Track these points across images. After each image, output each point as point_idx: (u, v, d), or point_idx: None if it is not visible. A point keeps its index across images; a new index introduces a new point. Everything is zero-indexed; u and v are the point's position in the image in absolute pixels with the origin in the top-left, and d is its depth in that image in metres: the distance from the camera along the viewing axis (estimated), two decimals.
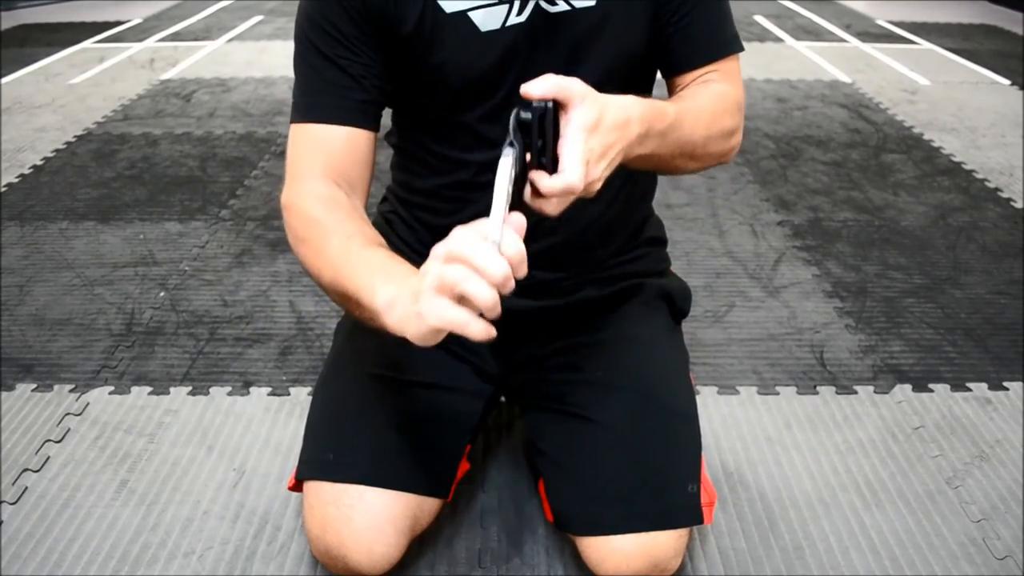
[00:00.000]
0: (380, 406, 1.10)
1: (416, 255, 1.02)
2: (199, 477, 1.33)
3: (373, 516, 1.04)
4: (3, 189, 2.41)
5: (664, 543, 1.03)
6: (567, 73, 0.80)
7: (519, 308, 1.14)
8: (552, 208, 0.81)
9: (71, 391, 1.54)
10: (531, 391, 1.18)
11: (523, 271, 0.75)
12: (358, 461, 1.06)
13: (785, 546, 1.20)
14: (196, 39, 4.23)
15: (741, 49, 1.06)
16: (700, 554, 1.18)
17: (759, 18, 4.71)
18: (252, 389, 1.54)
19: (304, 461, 1.11)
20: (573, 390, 1.12)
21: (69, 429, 1.44)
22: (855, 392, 1.55)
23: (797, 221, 2.23)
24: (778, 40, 4.24)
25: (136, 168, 2.58)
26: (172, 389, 1.55)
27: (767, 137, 2.84)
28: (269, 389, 1.54)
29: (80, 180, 2.48)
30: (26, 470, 1.34)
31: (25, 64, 3.74)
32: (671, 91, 1.07)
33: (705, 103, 1.00)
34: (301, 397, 1.52)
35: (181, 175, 2.52)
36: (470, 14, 0.95)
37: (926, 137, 2.85)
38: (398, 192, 1.19)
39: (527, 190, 0.80)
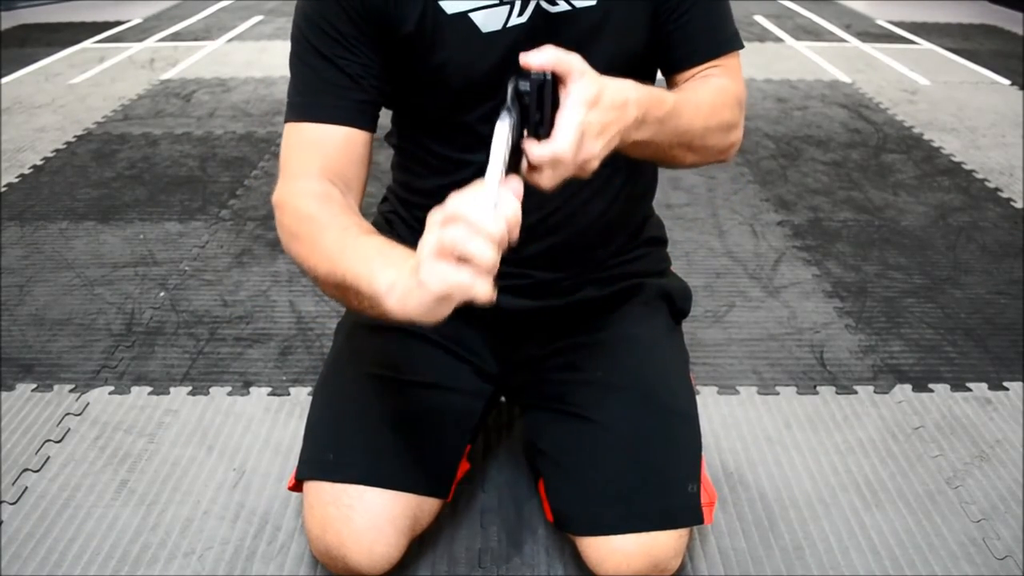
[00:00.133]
0: (380, 406, 1.10)
1: None
2: (199, 477, 1.33)
3: (373, 516, 1.04)
4: (3, 189, 2.41)
5: (664, 543, 1.03)
6: None
7: (519, 308, 1.15)
8: (546, 181, 0.80)
9: (71, 391, 1.54)
10: (531, 391, 1.18)
11: (517, 234, 0.74)
12: (358, 461, 1.06)
13: (785, 546, 1.20)
14: (196, 39, 4.23)
15: (741, 46, 1.06)
16: (700, 554, 1.18)
17: (759, 18, 4.71)
18: (252, 389, 1.54)
19: (304, 461, 1.11)
20: (573, 390, 1.12)
21: (69, 429, 1.44)
22: (855, 392, 1.55)
23: (797, 221, 2.23)
24: (778, 40, 4.24)
25: (136, 168, 2.58)
26: (172, 389, 1.55)
27: (767, 137, 2.84)
28: (269, 389, 1.54)
29: (80, 180, 2.49)
30: (26, 470, 1.34)
31: (25, 64, 3.74)
32: (671, 89, 1.07)
33: (705, 95, 1.00)
34: (301, 397, 1.52)
35: (181, 175, 2.52)
36: (471, 15, 0.95)
37: (926, 137, 2.85)
38: (398, 192, 1.19)
39: (523, 164, 0.80)
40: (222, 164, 2.61)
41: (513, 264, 1.13)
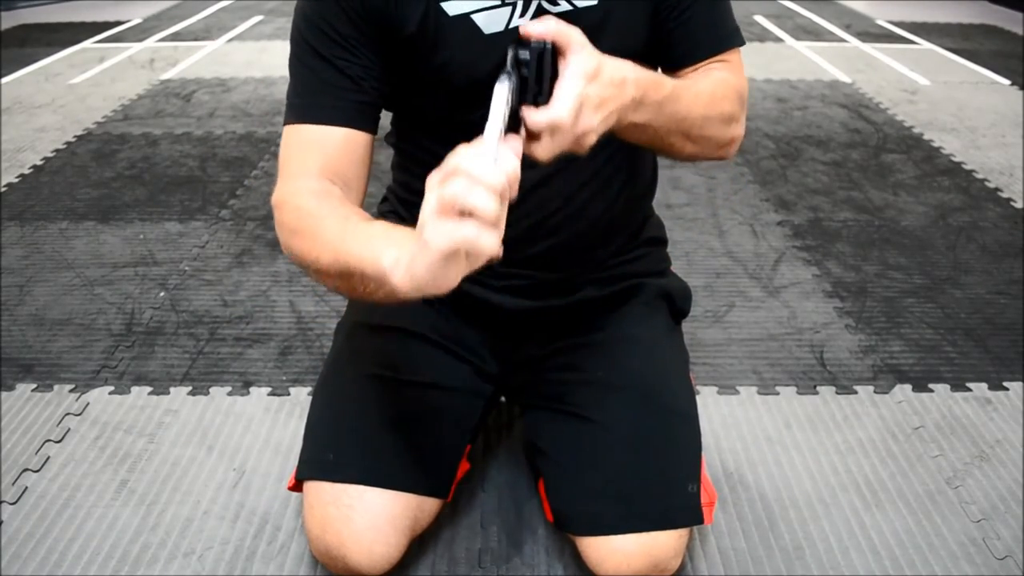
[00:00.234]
0: (380, 406, 1.10)
1: None
2: (199, 477, 1.33)
3: (373, 516, 1.04)
4: (3, 189, 2.41)
5: (664, 543, 1.03)
6: None
7: (519, 308, 1.15)
8: (543, 151, 0.79)
9: (71, 391, 1.54)
10: (531, 391, 1.18)
11: (516, 189, 0.73)
12: (358, 461, 1.06)
13: (785, 546, 1.20)
14: (196, 39, 4.23)
15: (742, 43, 1.06)
16: (700, 554, 1.18)
17: (759, 18, 4.71)
18: (252, 389, 1.54)
19: (304, 461, 1.11)
20: (573, 390, 1.12)
21: (69, 429, 1.44)
22: (855, 392, 1.55)
23: (797, 221, 2.23)
24: (778, 40, 4.24)
25: (136, 168, 2.58)
26: (172, 389, 1.55)
27: (767, 137, 2.84)
28: (269, 389, 1.54)
29: (80, 180, 2.48)
30: (26, 470, 1.34)
31: (25, 64, 3.74)
32: None
33: (705, 85, 1.00)
34: (301, 397, 1.52)
35: (181, 175, 2.52)
36: (473, 17, 0.95)
37: (926, 137, 2.85)
38: (398, 192, 1.19)
39: (521, 134, 0.79)
40: (222, 164, 2.61)
41: (514, 265, 1.13)
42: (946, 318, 1.79)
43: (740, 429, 1.44)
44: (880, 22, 4.66)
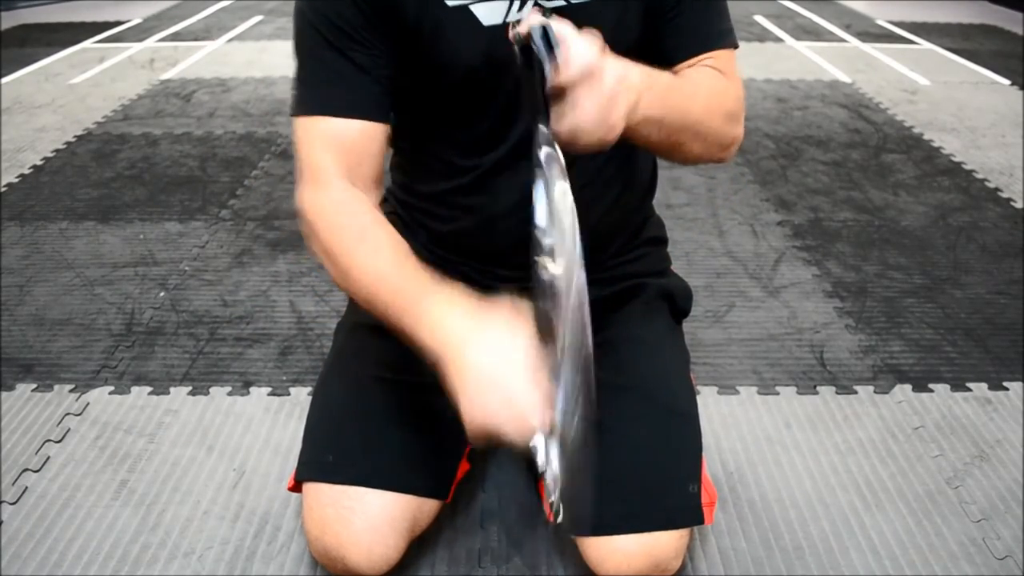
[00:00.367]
0: (379, 407, 1.10)
1: (416, 255, 1.03)
2: (199, 477, 1.33)
3: (372, 517, 1.04)
4: (3, 189, 2.41)
5: (665, 543, 1.03)
6: None
7: None
8: (585, 113, 0.79)
9: (71, 391, 1.54)
10: None
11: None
12: (357, 462, 1.06)
13: (785, 546, 1.20)
14: (196, 39, 4.23)
15: (735, 45, 1.05)
16: (700, 554, 1.18)
17: (759, 18, 4.71)
18: (252, 389, 1.54)
19: (303, 462, 1.11)
20: None
21: (69, 429, 1.44)
22: (855, 392, 1.55)
23: (797, 221, 2.23)
24: (778, 40, 4.24)
25: (136, 168, 2.58)
26: (172, 389, 1.55)
27: (767, 137, 2.84)
28: (269, 389, 1.54)
29: (80, 180, 2.49)
30: (26, 470, 1.34)
31: (25, 64, 3.74)
32: None
33: (702, 80, 1.00)
34: (301, 397, 1.52)
35: (181, 175, 2.52)
36: (472, 7, 0.95)
37: (926, 137, 2.85)
38: (397, 194, 1.19)
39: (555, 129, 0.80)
40: (222, 164, 2.61)
41: (514, 268, 1.13)
42: (946, 318, 1.79)
43: (740, 429, 1.44)
44: (880, 22, 4.66)
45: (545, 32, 0.78)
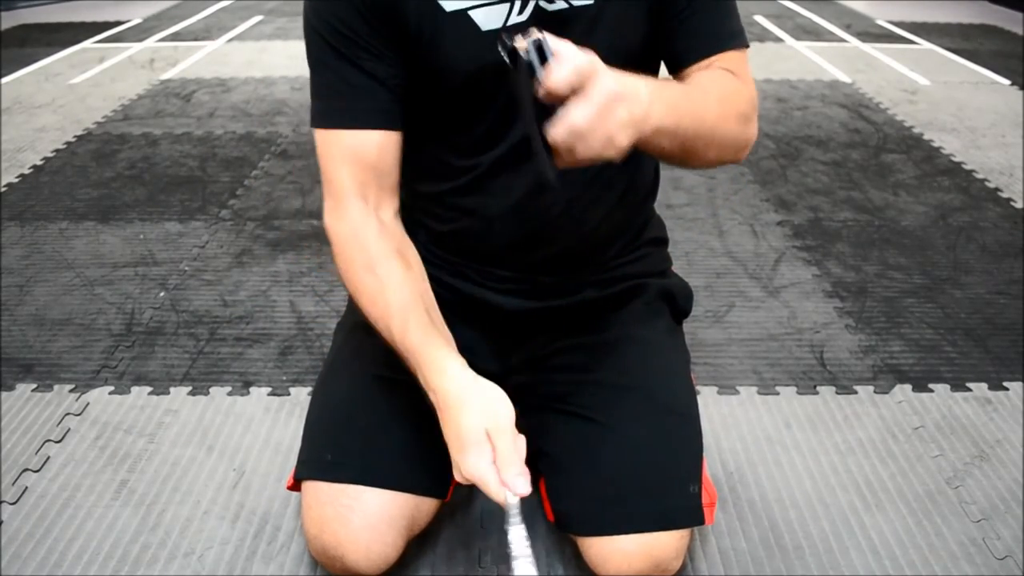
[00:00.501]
0: (379, 406, 1.10)
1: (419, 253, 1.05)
2: (199, 477, 1.33)
3: (370, 516, 1.03)
4: (3, 189, 2.41)
5: (665, 543, 1.03)
6: None
7: (520, 309, 1.15)
8: (582, 115, 0.77)
9: (71, 391, 1.54)
10: (532, 391, 1.18)
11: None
12: (356, 461, 1.06)
13: (785, 546, 1.20)
14: (196, 39, 4.23)
15: (746, 45, 1.05)
16: (700, 554, 1.18)
17: (759, 18, 4.71)
18: (252, 389, 1.54)
19: (302, 461, 1.11)
20: (574, 390, 1.12)
21: (69, 429, 1.44)
22: (855, 392, 1.55)
23: (797, 221, 2.23)
24: (778, 40, 4.24)
25: (136, 168, 2.58)
26: (172, 389, 1.55)
27: (767, 137, 2.84)
28: (269, 389, 1.54)
29: (80, 180, 2.49)
30: (26, 470, 1.34)
31: (25, 64, 3.74)
32: None
33: (712, 84, 0.99)
34: (301, 397, 1.52)
35: (181, 175, 2.52)
36: (470, 13, 0.95)
37: (926, 137, 2.85)
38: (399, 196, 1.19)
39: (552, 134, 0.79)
40: (222, 164, 2.61)
41: (514, 269, 1.13)
42: (946, 318, 1.79)
43: (740, 429, 1.44)
44: (880, 22, 4.66)
45: (540, 45, 0.78)
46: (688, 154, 0.96)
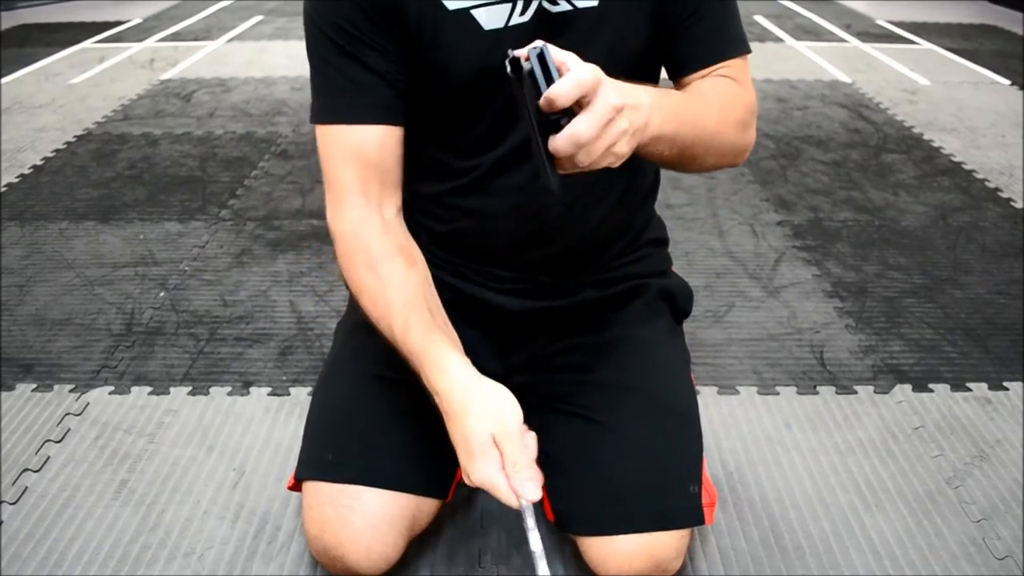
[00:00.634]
0: (379, 406, 1.10)
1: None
2: (199, 477, 1.33)
3: (371, 516, 1.03)
4: (3, 189, 2.41)
5: (666, 543, 1.03)
6: None
7: (521, 309, 1.15)
8: (585, 125, 0.77)
9: (71, 391, 1.54)
10: (532, 391, 1.18)
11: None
12: (357, 461, 1.06)
13: (785, 546, 1.20)
14: (196, 39, 4.23)
15: (748, 50, 1.05)
16: (700, 554, 1.18)
17: (759, 18, 4.71)
18: (252, 389, 1.54)
19: (303, 461, 1.11)
20: (574, 390, 1.12)
21: (69, 429, 1.44)
22: (855, 392, 1.55)
23: (797, 221, 2.23)
24: (778, 40, 4.24)
25: (136, 168, 2.58)
26: (172, 389, 1.55)
27: (767, 137, 2.84)
28: (269, 389, 1.54)
29: (80, 180, 2.49)
30: (26, 470, 1.34)
31: (25, 64, 3.74)
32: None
33: (713, 93, 0.99)
34: (301, 397, 1.52)
35: (181, 175, 2.52)
36: (473, 12, 0.95)
37: (926, 137, 2.85)
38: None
39: (553, 143, 0.79)
40: (222, 164, 2.61)
41: (514, 269, 1.13)
42: (946, 318, 1.79)
43: (740, 429, 1.45)
44: (880, 22, 4.66)
45: (542, 55, 0.78)
46: (687, 160, 0.96)
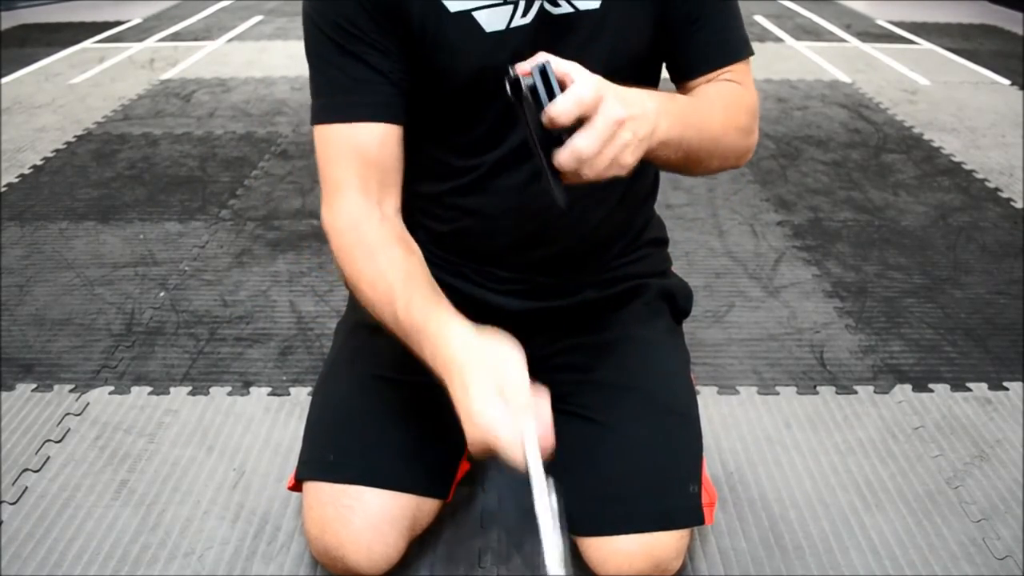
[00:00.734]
0: (379, 406, 1.10)
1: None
2: (199, 477, 1.33)
3: (371, 516, 1.04)
4: (3, 189, 2.41)
5: (666, 543, 1.03)
6: None
7: (521, 309, 1.15)
8: (588, 139, 0.77)
9: (71, 391, 1.54)
10: None
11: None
12: (357, 461, 1.06)
13: (785, 546, 1.20)
14: (196, 39, 4.23)
15: (751, 53, 1.05)
16: (700, 554, 1.18)
17: (759, 18, 4.71)
18: (252, 389, 1.54)
19: (303, 461, 1.11)
20: (575, 391, 1.12)
21: (69, 429, 1.44)
22: (855, 392, 1.55)
23: (797, 221, 2.23)
24: (778, 40, 4.24)
25: (136, 168, 2.58)
26: (172, 389, 1.55)
27: (767, 137, 2.84)
28: (269, 389, 1.54)
29: (80, 180, 2.49)
30: (26, 470, 1.34)
31: (25, 64, 3.74)
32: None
33: (717, 98, 0.99)
34: (301, 397, 1.52)
35: (181, 175, 2.52)
36: (474, 14, 0.95)
37: (926, 137, 2.85)
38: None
39: (560, 157, 0.79)
40: (222, 164, 2.61)
41: (514, 270, 1.13)
42: (946, 318, 1.79)
43: (740, 429, 1.45)
44: (880, 22, 4.66)
45: (544, 71, 0.78)
46: (692, 163, 0.97)
